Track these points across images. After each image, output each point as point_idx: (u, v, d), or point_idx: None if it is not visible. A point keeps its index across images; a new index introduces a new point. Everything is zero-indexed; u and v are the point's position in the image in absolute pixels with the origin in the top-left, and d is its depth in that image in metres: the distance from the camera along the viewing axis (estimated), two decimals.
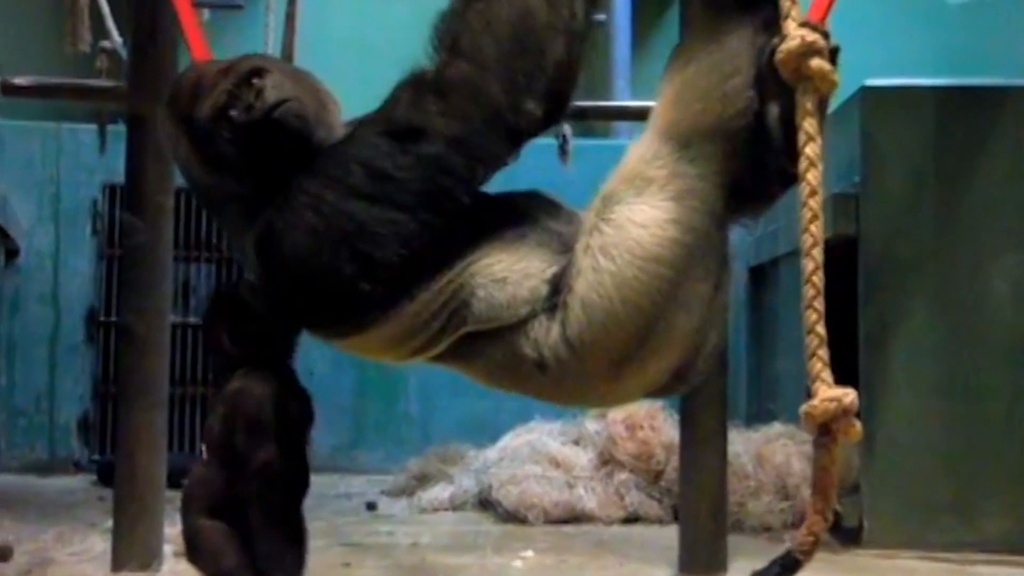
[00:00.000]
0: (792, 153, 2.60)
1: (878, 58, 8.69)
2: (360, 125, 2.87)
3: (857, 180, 6.03)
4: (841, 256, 5.93)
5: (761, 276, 8.56)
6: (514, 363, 2.83)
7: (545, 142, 5.68)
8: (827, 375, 2.58)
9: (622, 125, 9.39)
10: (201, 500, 3.17)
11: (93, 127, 7.46)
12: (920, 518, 5.82)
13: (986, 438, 5.87)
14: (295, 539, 3.23)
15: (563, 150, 6.72)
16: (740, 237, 7.57)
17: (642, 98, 8.30)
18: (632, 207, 2.71)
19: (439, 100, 2.75)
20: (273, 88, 2.88)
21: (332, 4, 9.56)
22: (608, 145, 8.89)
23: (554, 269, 2.80)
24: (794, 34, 2.55)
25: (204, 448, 3.18)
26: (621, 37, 9.94)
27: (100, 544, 5.30)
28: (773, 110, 2.67)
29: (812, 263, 2.60)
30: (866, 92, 6.05)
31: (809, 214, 2.57)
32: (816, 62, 2.54)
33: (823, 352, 2.59)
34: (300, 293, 2.85)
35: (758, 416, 7.88)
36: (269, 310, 3.01)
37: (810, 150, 2.56)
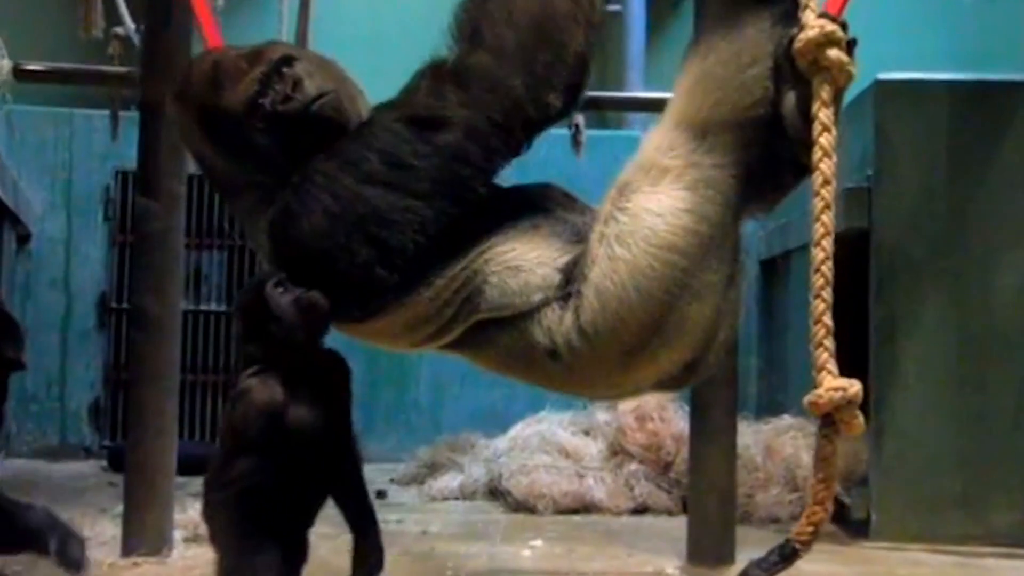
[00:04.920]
0: (807, 143, 2.60)
1: (892, 52, 8.66)
2: (378, 110, 2.86)
3: (870, 174, 6.02)
4: (853, 249, 5.93)
5: (772, 270, 8.56)
6: (526, 351, 2.82)
7: (558, 133, 5.67)
8: (832, 365, 2.57)
9: (635, 116, 9.36)
10: (212, 491, 3.15)
11: (106, 113, 7.46)
12: (928, 511, 5.82)
13: (995, 431, 5.87)
14: (287, 555, 3.14)
15: (576, 141, 6.71)
16: (751, 231, 7.60)
17: (656, 89, 8.30)
18: (648, 196, 2.70)
19: (459, 90, 2.74)
20: (308, 78, 2.87)
21: None
22: (621, 136, 8.88)
23: (566, 258, 2.79)
24: (813, 24, 2.56)
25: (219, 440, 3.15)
26: (635, 28, 9.91)
27: (110, 529, 5.31)
28: (789, 100, 2.66)
29: (822, 252, 2.59)
30: (880, 86, 6.04)
31: (821, 203, 2.57)
32: (834, 52, 2.55)
33: (829, 342, 2.58)
34: (314, 276, 2.81)
35: (768, 408, 7.89)
36: (299, 301, 2.93)
37: (824, 140, 2.56)
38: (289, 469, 2.96)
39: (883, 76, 6.06)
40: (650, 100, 7.41)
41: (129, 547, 4.89)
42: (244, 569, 2.98)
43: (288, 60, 2.91)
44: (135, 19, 6.55)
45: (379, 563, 3.30)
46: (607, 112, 8.91)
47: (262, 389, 2.93)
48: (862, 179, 6.07)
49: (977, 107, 6.04)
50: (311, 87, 2.86)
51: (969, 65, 8.66)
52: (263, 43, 3.06)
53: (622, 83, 9.57)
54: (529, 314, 2.78)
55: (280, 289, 2.87)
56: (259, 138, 2.88)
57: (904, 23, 9.94)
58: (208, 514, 3.10)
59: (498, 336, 2.85)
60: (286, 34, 6.78)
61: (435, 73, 2.79)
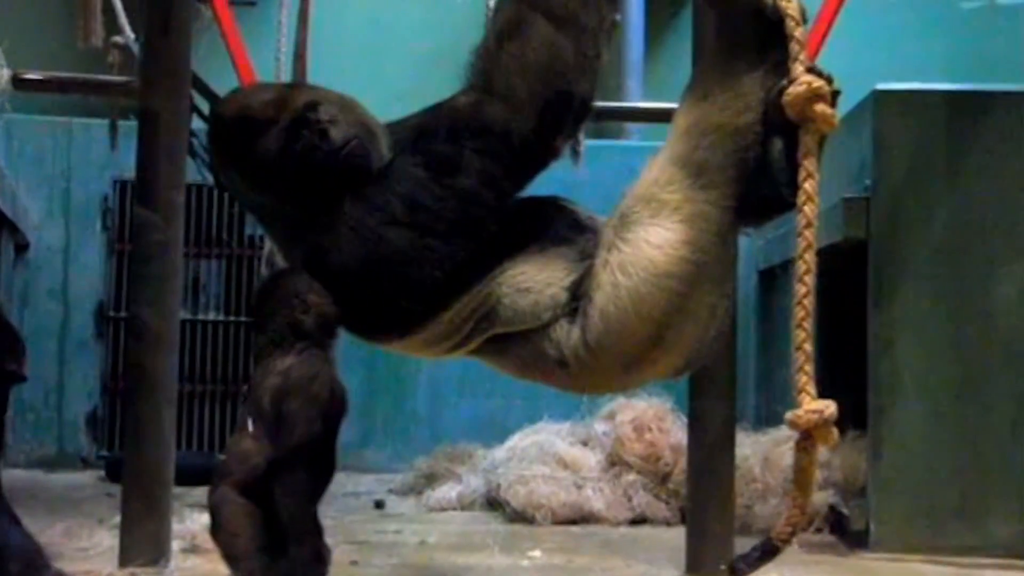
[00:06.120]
0: (792, 184, 2.84)
1: (890, 62, 8.70)
2: (401, 156, 3.10)
3: (868, 184, 6.02)
4: (852, 259, 5.94)
5: (770, 279, 8.55)
6: (538, 360, 3.11)
7: None
8: (811, 388, 2.84)
9: (634, 126, 9.38)
10: (236, 474, 3.20)
11: (104, 122, 7.47)
12: (927, 522, 5.81)
13: (994, 442, 5.86)
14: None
15: (575, 151, 6.70)
16: (750, 240, 7.62)
17: (654, 99, 8.30)
18: (647, 228, 2.96)
19: (473, 138, 2.98)
20: (332, 125, 3.11)
21: (345, 4, 9.56)
22: (620, 146, 8.89)
23: (573, 277, 3.07)
24: (801, 80, 2.76)
25: (250, 421, 3.23)
26: (634, 39, 9.93)
27: (108, 540, 5.31)
28: (777, 145, 2.89)
29: (804, 288, 2.89)
30: (878, 96, 6.04)
31: (804, 243, 2.84)
32: (820, 107, 2.76)
33: (809, 367, 2.87)
34: (346, 308, 3.14)
35: (766, 419, 7.88)
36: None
37: (808, 186, 2.79)
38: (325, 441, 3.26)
39: (881, 86, 6.07)
40: (649, 110, 7.40)
41: (126, 558, 4.88)
42: (316, 525, 3.21)
43: (313, 106, 3.14)
44: (134, 28, 6.56)
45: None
46: (606, 122, 8.91)
47: (318, 362, 3.23)
48: (860, 189, 6.07)
49: (975, 117, 6.03)
50: (337, 135, 3.10)
51: (967, 75, 8.68)
52: (288, 86, 3.43)
53: (621, 93, 9.58)
54: (540, 328, 3.08)
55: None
56: (291, 181, 3.13)
57: (902, 34, 9.96)
58: (228, 498, 3.17)
59: (513, 347, 3.16)
60: (285, 43, 6.78)
61: (452, 120, 3.03)
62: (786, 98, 2.77)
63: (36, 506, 6.54)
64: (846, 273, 6.03)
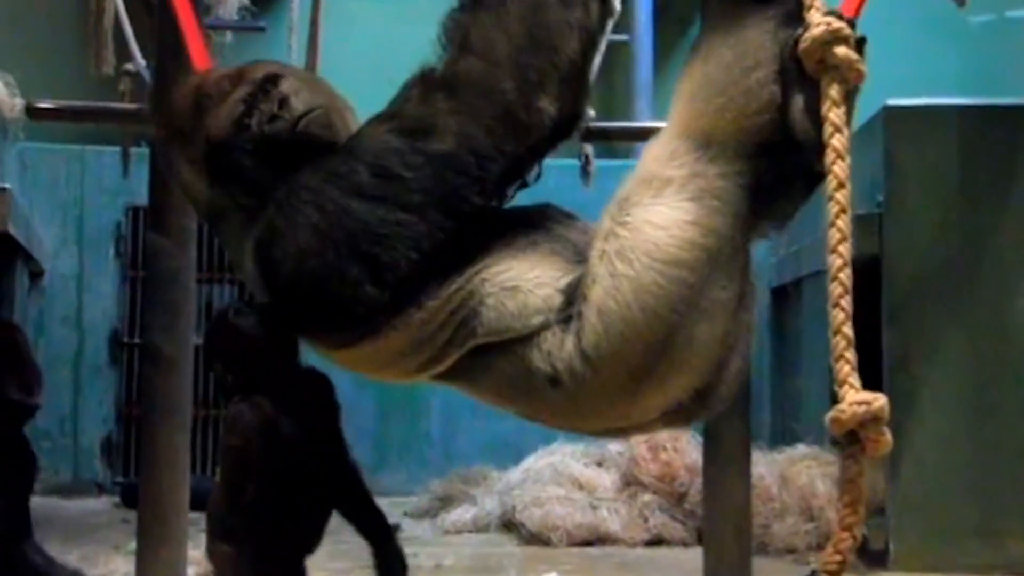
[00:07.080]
0: (818, 146, 2.48)
1: (901, 77, 8.66)
2: (368, 122, 2.74)
3: (880, 200, 6.01)
4: (864, 276, 5.92)
5: (784, 297, 8.54)
6: (525, 378, 2.64)
7: (567, 162, 5.68)
8: (855, 379, 2.43)
9: (644, 146, 9.36)
10: (216, 525, 3.19)
11: (117, 149, 7.49)
12: (946, 540, 5.79)
13: (1012, 460, 5.84)
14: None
15: (585, 171, 6.71)
16: (763, 258, 7.59)
17: (664, 118, 8.30)
18: (649, 209, 2.59)
19: (449, 97, 2.65)
20: (295, 96, 2.78)
21: (355, 28, 9.59)
22: (630, 165, 8.84)
23: (568, 278, 2.64)
24: (818, 22, 2.43)
25: (218, 471, 3.21)
26: (643, 57, 9.93)
27: (124, 566, 5.31)
28: (797, 103, 2.54)
29: (839, 259, 2.47)
30: (889, 111, 6.04)
31: (836, 207, 2.46)
32: (842, 50, 2.43)
33: (850, 354, 2.45)
34: (301, 297, 2.67)
35: (782, 437, 7.86)
36: (264, 319, 2.98)
37: (837, 141, 2.44)
38: (289, 489, 3.11)
39: (892, 101, 6.06)
40: (659, 129, 7.40)
41: None
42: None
43: (274, 78, 2.83)
44: (145, 56, 6.58)
45: (403, 566, 3.35)
46: (616, 142, 8.91)
47: (252, 411, 3.12)
48: (872, 206, 6.06)
49: (987, 131, 6.03)
50: (298, 104, 2.77)
51: (978, 89, 8.66)
52: (248, 63, 2.95)
53: (630, 112, 9.58)
54: (528, 338, 2.62)
55: (242, 314, 3.15)
56: (246, 161, 2.78)
57: (913, 48, 9.94)
58: (215, 548, 3.15)
59: (495, 363, 2.68)
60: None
61: (425, 81, 2.70)
62: (803, 44, 2.43)
63: (52, 533, 6.54)
64: (858, 290, 6.01)
